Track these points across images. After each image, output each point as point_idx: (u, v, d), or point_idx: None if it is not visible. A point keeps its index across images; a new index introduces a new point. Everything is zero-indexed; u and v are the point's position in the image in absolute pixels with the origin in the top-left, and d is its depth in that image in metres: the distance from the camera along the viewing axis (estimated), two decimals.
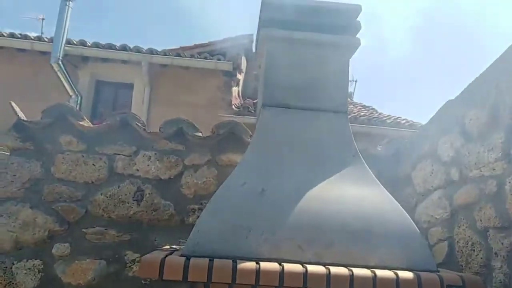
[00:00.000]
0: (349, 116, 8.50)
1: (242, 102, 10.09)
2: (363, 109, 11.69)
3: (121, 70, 9.25)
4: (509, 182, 1.64)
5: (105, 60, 9.03)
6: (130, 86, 9.48)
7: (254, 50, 2.18)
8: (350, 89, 16.87)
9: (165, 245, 1.86)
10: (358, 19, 1.94)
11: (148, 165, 2.29)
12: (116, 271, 2.14)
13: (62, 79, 8.45)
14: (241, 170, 1.73)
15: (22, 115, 2.24)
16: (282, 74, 1.91)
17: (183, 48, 9.96)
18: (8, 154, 2.23)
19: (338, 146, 1.83)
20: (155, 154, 2.31)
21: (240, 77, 10.53)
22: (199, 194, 2.30)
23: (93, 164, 2.24)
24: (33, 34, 9.55)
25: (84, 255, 2.13)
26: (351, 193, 1.67)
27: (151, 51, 9.01)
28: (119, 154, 2.28)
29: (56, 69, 8.34)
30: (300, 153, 1.79)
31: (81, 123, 2.24)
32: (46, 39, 8.78)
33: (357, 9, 1.94)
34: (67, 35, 8.64)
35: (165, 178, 2.30)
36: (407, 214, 1.64)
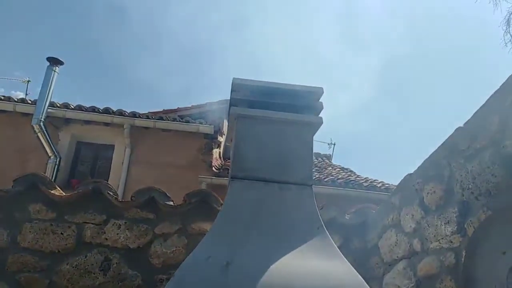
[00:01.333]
0: (327, 179, 8.62)
1: (223, 163, 10.19)
2: (341, 171, 11.91)
3: (102, 132, 9.37)
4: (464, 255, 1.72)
5: (87, 122, 9.18)
6: (111, 147, 9.56)
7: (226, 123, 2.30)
8: (329, 152, 17.23)
9: None
10: (320, 100, 2.11)
11: (117, 233, 2.29)
12: None
13: (42, 140, 8.48)
14: (207, 243, 1.76)
15: None
16: (250, 149, 2.02)
17: (166, 111, 10.23)
18: None
19: (303, 218, 1.89)
20: (125, 223, 2.32)
21: (222, 139, 10.74)
22: (168, 263, 2.28)
23: (61, 233, 2.23)
24: (18, 94, 9.71)
25: None
26: (315, 268, 1.71)
27: (134, 115, 9.21)
28: (88, 223, 2.28)
29: (36, 130, 8.40)
30: (265, 225, 1.84)
31: (52, 191, 2.26)
32: (29, 101, 8.93)
33: (319, 91, 2.11)
34: (51, 98, 8.82)
35: (134, 247, 2.29)
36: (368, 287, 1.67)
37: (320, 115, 2.09)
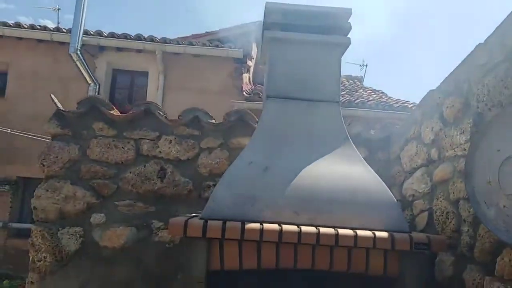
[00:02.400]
0: (357, 101, 8.75)
1: (253, 88, 10.37)
2: (372, 93, 11.85)
3: (136, 59, 9.60)
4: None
5: (120, 49, 9.39)
6: (145, 74, 9.83)
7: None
8: (361, 74, 16.92)
9: (191, 214, 2.23)
10: (349, 21, 2.24)
11: (169, 147, 2.65)
12: (144, 236, 2.53)
13: (81, 68, 8.84)
14: (248, 152, 2.08)
15: (60, 106, 2.61)
16: (283, 70, 2.23)
17: (194, 36, 10.25)
18: (51, 139, 2.61)
19: (330, 131, 2.15)
20: (175, 138, 2.67)
21: (251, 63, 10.80)
22: (214, 173, 2.66)
23: (122, 147, 2.61)
24: (46, 23, 9.94)
25: (117, 224, 2.52)
26: (340, 170, 2.00)
27: (165, 40, 9.32)
28: (144, 139, 2.64)
29: (75, 59, 8.72)
30: (298, 137, 2.12)
31: (111, 112, 2.61)
32: (64, 30, 9.14)
33: (348, 12, 2.24)
34: (84, 26, 9.00)
35: (184, 159, 2.66)
36: (387, 187, 1.97)
37: (348, 36, 2.24)
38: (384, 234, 1.76)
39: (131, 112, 2.63)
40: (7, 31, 8.95)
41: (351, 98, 10.49)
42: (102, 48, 9.45)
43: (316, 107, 2.20)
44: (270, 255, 1.77)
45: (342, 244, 1.74)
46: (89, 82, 9.07)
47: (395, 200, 1.93)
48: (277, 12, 2.24)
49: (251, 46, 12.11)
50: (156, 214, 2.55)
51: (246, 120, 2.72)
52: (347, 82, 14.87)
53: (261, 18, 2.36)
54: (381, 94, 11.76)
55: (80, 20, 8.82)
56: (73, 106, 7.90)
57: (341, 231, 1.75)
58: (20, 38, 9.07)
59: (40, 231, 2.46)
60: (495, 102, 1.82)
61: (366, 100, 10.10)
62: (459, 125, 2.12)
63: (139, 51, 9.42)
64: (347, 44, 2.24)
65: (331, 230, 1.76)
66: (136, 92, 10.20)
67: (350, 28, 2.23)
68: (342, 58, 2.30)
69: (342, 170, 2.01)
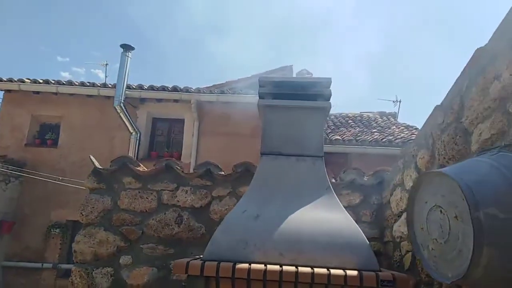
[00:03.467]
0: (385, 139, 8.90)
1: None
2: (405, 130, 11.95)
3: (173, 108, 10.42)
4: None
5: (159, 100, 10.27)
6: (181, 121, 10.60)
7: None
8: (395, 110, 16.94)
9: (197, 256, 2.61)
10: (329, 88, 2.64)
11: (185, 197, 3.09)
12: (164, 275, 2.93)
13: (124, 119, 9.74)
14: (244, 201, 2.47)
15: (98, 164, 3.15)
16: (275, 131, 2.65)
17: (216, 86, 11.07)
18: (88, 193, 3.14)
19: (314, 182, 2.51)
20: (191, 188, 3.11)
21: None
22: (223, 218, 3.04)
23: (146, 198, 3.09)
24: (98, 72, 11.14)
25: (141, 264, 2.95)
26: (321, 216, 2.34)
27: (199, 91, 10.10)
28: (164, 190, 3.11)
29: (118, 111, 9.65)
30: (286, 188, 2.50)
31: (138, 168, 3.11)
32: (110, 85, 10.17)
33: (328, 81, 2.65)
34: (127, 80, 9.99)
35: (198, 206, 3.09)
36: (361, 231, 2.27)
37: (329, 101, 2.64)
38: (354, 272, 2.06)
39: (154, 167, 3.12)
40: (61, 89, 10.10)
41: (379, 137, 10.66)
42: (143, 100, 10.37)
43: (303, 160, 2.58)
44: None
45: (317, 281, 2.05)
46: (131, 131, 9.92)
47: (367, 242, 2.23)
48: (269, 84, 2.70)
49: None
50: (174, 256, 2.96)
51: (251, 171, 3.12)
52: (380, 119, 14.99)
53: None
54: (414, 130, 11.81)
55: (124, 76, 9.82)
56: (117, 153, 8.68)
57: (317, 270, 2.07)
58: (72, 94, 10.17)
59: (78, 271, 2.94)
60: (450, 156, 2.12)
61: (394, 139, 10.23)
62: None
63: (175, 101, 10.23)
64: (328, 107, 2.63)
65: (308, 270, 2.08)
66: (173, 137, 10.97)
67: (331, 94, 2.63)
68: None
69: (322, 217, 2.35)
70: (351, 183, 3.09)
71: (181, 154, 10.22)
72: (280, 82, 2.68)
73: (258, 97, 2.74)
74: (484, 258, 1.35)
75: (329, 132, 11.72)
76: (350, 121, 14.37)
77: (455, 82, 2.17)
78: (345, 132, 11.93)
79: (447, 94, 2.24)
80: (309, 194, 2.46)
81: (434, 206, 1.62)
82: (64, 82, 10.04)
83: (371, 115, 15.62)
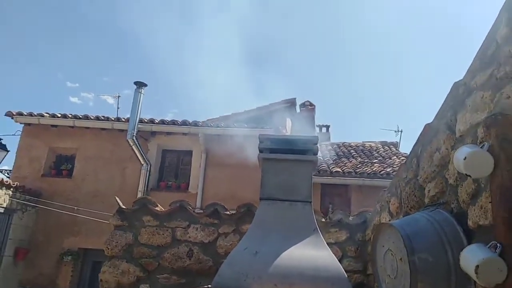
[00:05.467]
0: (383, 172, 9.39)
1: None
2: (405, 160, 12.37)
3: (182, 140, 11.01)
4: None
5: (169, 133, 10.89)
6: (190, 153, 11.17)
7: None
8: (396, 139, 17.41)
9: (206, 286, 3.09)
10: (317, 144, 3.19)
11: (196, 233, 3.60)
12: None
13: (136, 151, 10.32)
14: (245, 240, 2.98)
15: (122, 205, 3.69)
16: (272, 179, 3.18)
17: (222, 118, 11.70)
18: (113, 229, 3.67)
19: (304, 224, 3.01)
20: (200, 226, 3.63)
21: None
22: (228, 252, 3.53)
23: (162, 234, 3.60)
24: (106, 98, 11.89)
25: None
26: (308, 254, 2.84)
27: (206, 124, 10.72)
28: (178, 227, 3.62)
29: (131, 143, 10.25)
30: (280, 229, 3.00)
31: (156, 208, 3.65)
32: (123, 119, 10.81)
33: (316, 139, 3.20)
34: (140, 115, 10.63)
35: (206, 242, 3.59)
36: (341, 267, 2.76)
37: (316, 155, 3.18)
38: None
39: (169, 208, 3.65)
40: (77, 122, 10.76)
41: (378, 169, 11.11)
42: (154, 133, 10.99)
43: (295, 205, 3.09)
44: None
45: None
46: (142, 163, 10.49)
47: (346, 276, 2.72)
48: (267, 140, 3.25)
49: (285, 121, 13.36)
50: (185, 285, 3.44)
51: (252, 211, 3.64)
52: (382, 149, 15.46)
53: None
54: None
55: (136, 111, 10.47)
56: (128, 184, 9.29)
57: None
58: (87, 128, 10.82)
59: None
60: (411, 205, 2.64)
61: (392, 171, 10.68)
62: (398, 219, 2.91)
63: (184, 134, 10.84)
64: (315, 161, 3.17)
65: None
66: (181, 169, 11.51)
67: (317, 150, 3.17)
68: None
69: (310, 254, 2.84)
70: (338, 222, 3.59)
71: (188, 185, 10.74)
72: (276, 139, 3.23)
73: (258, 152, 3.29)
74: None
75: (331, 164, 12.21)
76: (352, 151, 14.85)
77: (413, 147, 2.71)
78: (346, 163, 12.40)
79: (409, 154, 2.78)
80: (299, 234, 2.96)
81: (388, 250, 2.12)
82: (81, 116, 10.71)
83: (373, 144, 16.09)
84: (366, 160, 12.84)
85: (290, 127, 14.02)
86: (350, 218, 3.65)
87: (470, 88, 2.00)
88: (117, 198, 3.66)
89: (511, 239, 1.45)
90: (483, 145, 1.65)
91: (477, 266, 1.44)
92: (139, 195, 9.88)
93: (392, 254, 2.08)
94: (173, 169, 11.51)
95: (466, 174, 1.69)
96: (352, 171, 10.78)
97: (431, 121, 2.45)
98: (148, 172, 10.49)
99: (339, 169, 10.88)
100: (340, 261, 3.49)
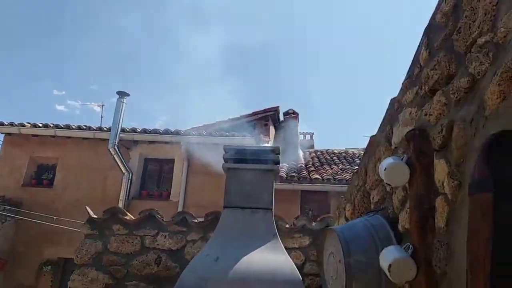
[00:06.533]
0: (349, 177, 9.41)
1: None
2: None
3: (164, 149, 11.08)
4: None
5: (151, 142, 10.96)
6: (172, 161, 11.23)
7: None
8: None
9: None
10: (278, 154, 3.35)
11: (164, 241, 3.72)
12: None
13: (117, 160, 10.36)
14: (207, 246, 3.11)
15: (92, 214, 3.79)
16: (235, 188, 3.32)
17: (206, 126, 11.84)
18: (83, 238, 3.76)
19: (264, 230, 3.16)
20: (169, 234, 3.74)
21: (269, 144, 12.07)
22: None
23: (131, 242, 3.71)
24: (93, 105, 11.99)
25: None
26: (266, 258, 2.98)
27: (188, 133, 10.82)
28: (147, 235, 3.74)
29: (112, 153, 10.28)
30: (242, 235, 3.14)
31: (125, 217, 3.76)
32: (105, 128, 10.85)
33: (277, 149, 3.36)
34: (121, 124, 10.69)
35: (175, 249, 3.71)
36: (296, 270, 2.91)
37: (277, 164, 3.34)
38: None
39: (139, 216, 3.77)
40: (58, 132, 10.76)
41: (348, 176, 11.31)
42: (136, 142, 11.03)
43: (256, 212, 3.24)
44: None
45: None
46: (124, 171, 10.52)
47: (300, 279, 2.87)
48: (231, 150, 3.40)
49: (268, 129, 13.54)
50: None
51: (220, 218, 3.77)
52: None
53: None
54: None
55: (118, 121, 10.52)
56: (110, 193, 9.37)
57: None
58: (69, 137, 10.83)
59: None
60: (362, 211, 2.81)
61: None
62: None
63: (166, 142, 10.91)
64: (277, 170, 3.33)
65: None
66: (164, 177, 11.56)
67: (279, 160, 3.33)
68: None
69: (268, 259, 2.99)
70: (302, 227, 3.74)
71: (170, 193, 10.80)
72: (240, 149, 3.39)
73: (223, 161, 3.44)
74: None
75: (312, 170, 12.40)
76: (335, 157, 15.08)
77: (362, 157, 2.89)
78: (327, 169, 12.61)
79: (359, 164, 2.95)
80: (259, 240, 3.11)
81: (331, 253, 2.28)
82: (62, 126, 10.72)
83: (355, 151, 16.35)
84: (347, 167, 13.05)
85: (273, 135, 14.24)
86: (313, 224, 3.81)
87: (402, 104, 2.19)
88: (87, 208, 3.76)
89: (421, 241, 1.62)
90: (403, 157, 1.82)
91: (390, 265, 1.60)
92: (121, 204, 9.92)
93: (334, 256, 2.24)
94: (155, 178, 11.56)
95: (386, 183, 1.85)
96: (331, 177, 10.98)
97: (375, 133, 2.63)
98: (129, 181, 10.53)
99: (318, 176, 11.07)
100: (303, 265, 3.64)
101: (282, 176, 10.35)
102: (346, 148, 17.05)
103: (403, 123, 2.12)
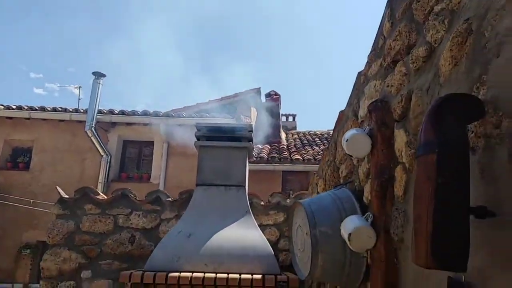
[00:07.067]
0: None
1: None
2: None
3: (143, 131, 10.91)
4: None
5: (130, 124, 10.78)
6: (151, 144, 11.09)
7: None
8: None
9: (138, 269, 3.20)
10: (251, 131, 3.33)
11: (138, 220, 3.69)
12: (119, 286, 3.50)
13: (95, 142, 10.17)
14: (179, 224, 3.11)
15: (63, 194, 3.72)
16: (208, 166, 3.31)
17: (186, 108, 11.70)
18: (54, 218, 3.71)
19: (237, 207, 3.17)
20: (142, 213, 3.72)
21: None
22: None
23: (104, 221, 3.67)
24: (71, 89, 11.60)
25: (100, 277, 3.51)
26: (238, 234, 3.00)
27: (167, 115, 10.69)
28: (120, 214, 3.70)
29: (90, 135, 10.09)
30: (214, 212, 3.15)
31: (97, 197, 3.71)
32: (81, 110, 10.62)
33: (250, 126, 3.34)
34: (98, 106, 10.47)
35: (149, 227, 3.69)
36: (268, 245, 2.94)
37: (250, 142, 3.33)
38: (258, 276, 2.72)
39: (111, 196, 3.73)
40: (33, 114, 10.48)
41: None
42: (114, 124, 10.83)
43: (229, 189, 3.24)
44: None
45: (231, 284, 2.69)
46: (102, 154, 10.36)
47: (272, 253, 2.90)
48: (203, 128, 3.37)
49: (249, 110, 13.50)
50: (127, 269, 3.52)
51: None
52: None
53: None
54: None
55: (95, 102, 10.30)
56: (88, 175, 9.22)
57: (231, 276, 2.72)
58: (44, 119, 10.56)
59: (45, 285, 3.48)
60: (332, 185, 2.83)
61: None
62: None
63: (145, 124, 10.75)
64: (249, 147, 3.32)
65: (224, 276, 2.73)
66: (143, 159, 11.43)
67: (252, 137, 3.32)
68: None
69: (240, 234, 3.01)
70: (277, 204, 3.77)
71: (150, 175, 10.71)
72: (212, 127, 3.36)
73: (195, 139, 3.41)
74: (320, 261, 2.03)
75: (293, 151, 12.47)
76: (317, 139, 15.18)
77: (332, 132, 2.90)
78: (309, 150, 12.70)
79: (330, 139, 2.97)
80: (232, 217, 3.12)
81: (298, 226, 2.31)
82: (37, 108, 10.43)
83: None
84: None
85: (255, 116, 14.19)
86: (288, 200, 3.84)
87: (368, 77, 2.19)
88: (58, 188, 3.70)
89: (381, 210, 1.64)
90: (365, 128, 1.83)
91: (350, 234, 1.63)
92: (99, 186, 9.80)
93: (301, 229, 2.26)
94: (134, 160, 11.41)
95: (348, 155, 1.86)
96: (312, 158, 11.06)
97: (344, 108, 2.64)
98: (108, 164, 10.37)
99: (299, 157, 11.14)
100: (277, 241, 3.68)
101: (263, 157, 10.41)
102: (328, 130, 17.17)
103: (368, 96, 2.12)
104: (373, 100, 1.86)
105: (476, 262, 1.03)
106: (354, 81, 2.39)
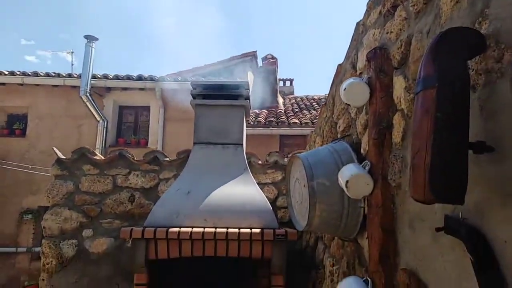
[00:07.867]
0: None
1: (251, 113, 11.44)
2: None
3: (139, 96, 10.82)
4: None
5: (125, 89, 10.66)
6: (147, 109, 11.03)
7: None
8: None
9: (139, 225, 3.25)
10: (248, 89, 3.29)
11: (136, 180, 3.72)
12: (120, 244, 3.57)
13: (91, 108, 10.10)
14: (178, 181, 3.13)
15: (60, 155, 3.72)
16: (205, 124, 3.29)
17: (182, 73, 11.54)
18: (53, 179, 3.72)
19: (235, 164, 3.18)
20: (141, 173, 3.74)
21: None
22: None
23: (103, 181, 3.69)
24: (65, 55, 11.38)
25: (101, 236, 3.58)
26: (236, 190, 3.03)
27: (163, 79, 10.55)
28: (119, 174, 3.72)
29: (85, 100, 10.00)
30: (213, 170, 3.16)
31: (95, 157, 3.71)
32: (75, 75, 10.47)
33: (247, 84, 3.30)
34: (92, 70, 10.32)
35: (148, 187, 3.72)
36: (266, 200, 2.97)
37: (247, 100, 3.30)
38: (257, 230, 2.77)
39: (109, 156, 3.73)
40: (26, 79, 10.33)
41: None
42: (108, 89, 10.71)
43: (227, 148, 3.25)
44: (186, 248, 2.79)
45: (230, 238, 2.74)
46: (98, 119, 10.30)
47: (271, 208, 2.94)
48: (199, 86, 3.33)
49: (246, 76, 13.32)
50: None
51: None
52: None
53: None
54: None
55: (88, 66, 10.14)
56: (85, 141, 9.20)
57: (230, 230, 2.77)
58: (38, 85, 10.42)
59: (47, 243, 3.54)
60: (329, 141, 2.84)
61: None
62: None
63: (141, 89, 10.64)
64: (247, 105, 3.29)
65: (224, 230, 2.77)
66: (140, 125, 11.40)
67: (249, 95, 3.29)
68: None
69: (239, 191, 3.04)
70: (274, 163, 3.79)
71: (148, 141, 10.71)
72: (208, 85, 3.31)
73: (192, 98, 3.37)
74: (318, 212, 2.06)
75: (291, 116, 12.44)
76: (314, 103, 15.11)
77: (330, 88, 2.87)
78: (306, 114, 12.67)
79: (328, 95, 2.94)
80: (230, 174, 3.14)
81: (296, 179, 2.33)
82: (30, 73, 10.26)
83: None
84: None
85: (251, 80, 14.03)
86: (285, 159, 3.85)
87: (366, 27, 2.14)
88: (55, 149, 3.69)
89: (378, 157, 1.65)
90: (364, 77, 1.81)
91: (347, 181, 1.64)
92: (97, 152, 9.81)
93: (299, 182, 2.28)
94: (131, 125, 11.38)
95: (347, 104, 1.85)
96: (309, 121, 11.05)
97: (342, 61, 2.59)
98: (105, 129, 10.34)
99: (297, 120, 11.13)
100: (275, 199, 3.73)
101: (260, 121, 10.39)
102: (325, 94, 17.05)
103: (367, 46, 2.08)
104: (372, 48, 1.83)
105: (473, 197, 1.04)
106: (352, 34, 2.34)
